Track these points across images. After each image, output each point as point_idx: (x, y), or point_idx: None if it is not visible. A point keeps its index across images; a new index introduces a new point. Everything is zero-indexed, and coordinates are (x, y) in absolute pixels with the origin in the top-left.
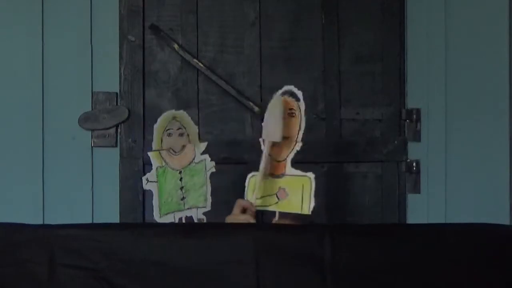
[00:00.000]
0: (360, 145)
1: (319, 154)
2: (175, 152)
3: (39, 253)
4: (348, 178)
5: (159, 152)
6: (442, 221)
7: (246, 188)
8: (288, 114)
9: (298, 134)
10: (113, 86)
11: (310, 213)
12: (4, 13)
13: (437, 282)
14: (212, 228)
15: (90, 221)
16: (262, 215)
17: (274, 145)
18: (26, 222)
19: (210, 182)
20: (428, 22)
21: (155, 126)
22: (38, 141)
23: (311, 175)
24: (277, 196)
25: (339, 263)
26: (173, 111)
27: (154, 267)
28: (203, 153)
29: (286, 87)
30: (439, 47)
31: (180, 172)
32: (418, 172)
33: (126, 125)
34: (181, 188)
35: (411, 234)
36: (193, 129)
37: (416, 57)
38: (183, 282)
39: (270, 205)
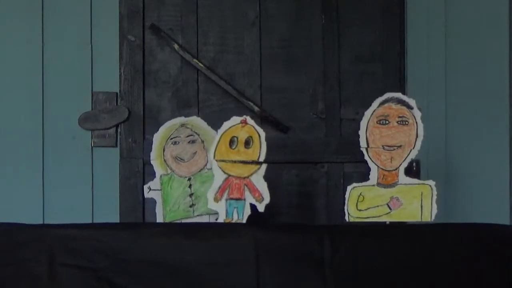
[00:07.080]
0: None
1: (319, 154)
2: (183, 159)
3: (39, 253)
4: (348, 178)
5: (164, 160)
6: (441, 220)
7: (346, 201)
8: (398, 122)
9: (415, 142)
10: (113, 86)
11: (432, 220)
12: (4, 14)
13: (437, 282)
14: (212, 228)
15: (90, 221)
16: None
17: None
18: (26, 222)
19: None
20: (428, 22)
21: (156, 135)
22: (38, 141)
23: (431, 182)
24: (388, 206)
25: (339, 263)
26: (182, 118)
27: (154, 267)
28: None
29: (390, 94)
30: (439, 47)
31: (189, 179)
32: (418, 172)
33: (126, 125)
34: (190, 195)
35: (411, 234)
36: (210, 134)
37: (416, 57)
38: (183, 282)
39: (380, 216)
